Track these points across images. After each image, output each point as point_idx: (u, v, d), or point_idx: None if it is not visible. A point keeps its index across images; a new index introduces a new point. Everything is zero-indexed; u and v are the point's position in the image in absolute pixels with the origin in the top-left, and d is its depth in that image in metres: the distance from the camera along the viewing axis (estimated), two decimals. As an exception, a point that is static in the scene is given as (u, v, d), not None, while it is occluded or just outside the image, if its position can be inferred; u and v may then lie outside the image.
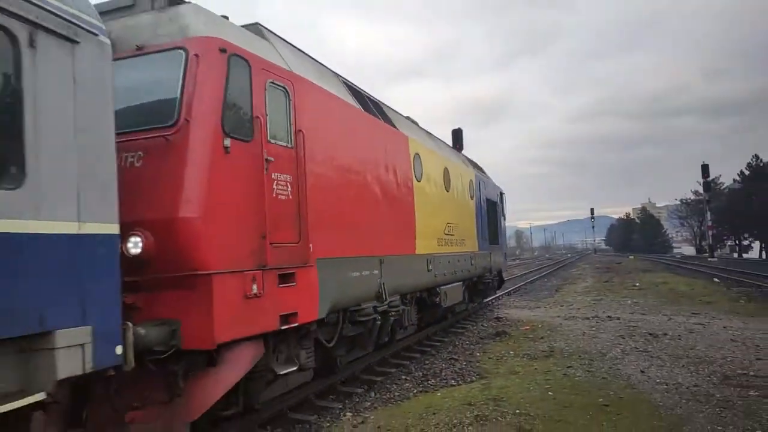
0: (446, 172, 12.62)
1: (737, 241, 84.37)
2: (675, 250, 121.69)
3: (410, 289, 10.03)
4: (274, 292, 5.67)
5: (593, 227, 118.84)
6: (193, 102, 5.02)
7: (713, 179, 79.14)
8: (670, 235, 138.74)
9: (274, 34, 7.21)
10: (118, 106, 4.47)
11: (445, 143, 15.08)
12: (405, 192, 9.87)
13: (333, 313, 7.13)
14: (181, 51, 5.16)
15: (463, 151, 16.64)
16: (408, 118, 12.18)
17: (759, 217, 66.08)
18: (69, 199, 3.76)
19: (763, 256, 71.90)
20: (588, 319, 13.80)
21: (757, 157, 75.59)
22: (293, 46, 7.74)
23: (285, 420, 6.66)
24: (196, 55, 5.13)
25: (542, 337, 11.33)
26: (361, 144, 8.34)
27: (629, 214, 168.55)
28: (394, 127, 10.04)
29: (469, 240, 14.24)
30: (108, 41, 4.27)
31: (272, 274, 5.66)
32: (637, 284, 24.69)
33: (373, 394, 7.87)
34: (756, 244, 79.29)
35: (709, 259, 57.82)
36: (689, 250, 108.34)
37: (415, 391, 7.94)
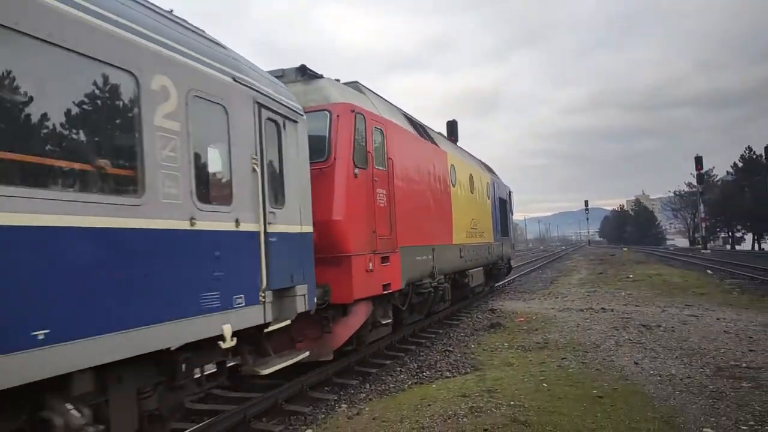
0: (471, 178, 15.58)
1: (730, 233, 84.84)
2: (668, 242, 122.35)
3: (450, 271, 12.88)
4: (379, 268, 8.57)
5: (587, 219, 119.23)
6: (335, 146, 7.90)
7: (707, 171, 79.52)
8: (663, 227, 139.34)
9: (368, 89, 10.10)
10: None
11: (468, 152, 17.97)
12: (445, 196, 12.80)
13: (406, 285, 9.86)
14: (327, 112, 8.08)
15: (458, 143, 17.98)
16: (440, 134, 14.82)
17: (751, 209, 66.40)
18: (297, 213, 6.74)
19: (756, 247, 72.32)
20: (582, 311, 13.85)
21: (750, 149, 75.93)
22: (377, 94, 10.63)
23: (280, 411, 6.66)
24: (338, 116, 8.06)
25: (537, 329, 11.37)
26: (419, 162, 11.16)
27: (623, 206, 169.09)
28: (437, 145, 12.84)
29: (487, 233, 17.19)
30: (305, 118, 7.21)
31: (378, 257, 8.54)
32: (631, 276, 24.78)
33: (368, 386, 7.89)
34: (749, 236, 79.74)
35: (702, 251, 58.19)
36: (682, 242, 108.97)
37: (410, 382, 7.97)
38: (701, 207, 68.05)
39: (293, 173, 6.72)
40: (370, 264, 8.27)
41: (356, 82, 9.89)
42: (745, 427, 5.32)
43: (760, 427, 5.31)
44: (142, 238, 4.27)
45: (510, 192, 23.06)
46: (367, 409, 6.57)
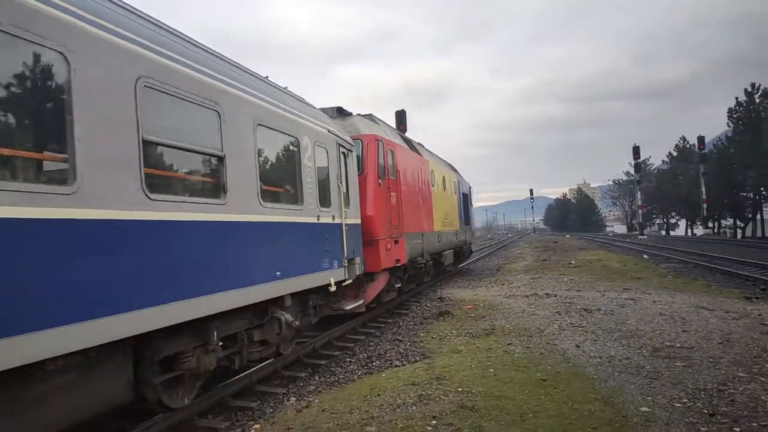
0: (443, 179, 19.70)
1: (665, 220, 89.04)
2: (608, 229, 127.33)
3: (432, 252, 16.71)
4: (393, 248, 12.11)
5: (532, 207, 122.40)
6: (367, 164, 11.49)
7: (643, 161, 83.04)
8: (603, 215, 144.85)
9: (380, 119, 13.78)
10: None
11: (440, 157, 21.44)
12: (428, 195, 16.74)
13: (408, 261, 13.59)
14: (360, 140, 11.51)
15: (407, 133, 19.53)
16: (420, 144, 18.42)
17: (685, 197, 69.83)
18: (356, 210, 10.48)
19: (689, 233, 76.16)
20: (527, 297, 14.19)
21: (684, 139, 79.71)
22: (385, 123, 14.49)
23: (226, 407, 6.53)
24: (367, 143, 11.61)
25: (484, 316, 11.56)
26: (413, 170, 14.98)
27: (566, 195, 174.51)
28: (421, 155, 16.62)
29: (455, 222, 21.36)
30: (354, 148, 10.87)
31: (393, 240, 12.12)
32: (573, 262, 25.57)
33: (317, 378, 7.84)
34: (682, 222, 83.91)
35: (639, 236, 60.88)
36: (621, 229, 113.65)
37: (359, 373, 7.96)
38: (638, 195, 71.06)
39: (352, 184, 10.55)
40: (389, 245, 11.97)
41: (371, 114, 13.43)
42: (678, 404, 5.57)
43: (692, 403, 5.58)
44: (302, 226, 7.99)
45: (470, 187, 26.96)
46: (316, 401, 6.52)
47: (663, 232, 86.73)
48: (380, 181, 11.80)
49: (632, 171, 77.26)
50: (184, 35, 6.16)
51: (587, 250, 35.83)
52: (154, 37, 5.28)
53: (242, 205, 6.29)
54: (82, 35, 4.26)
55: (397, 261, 12.47)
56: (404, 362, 8.31)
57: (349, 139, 10.59)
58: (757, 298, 14.00)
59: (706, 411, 5.35)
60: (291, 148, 7.84)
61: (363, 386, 6.95)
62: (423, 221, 15.54)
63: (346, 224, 9.62)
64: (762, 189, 52.44)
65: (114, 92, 4.58)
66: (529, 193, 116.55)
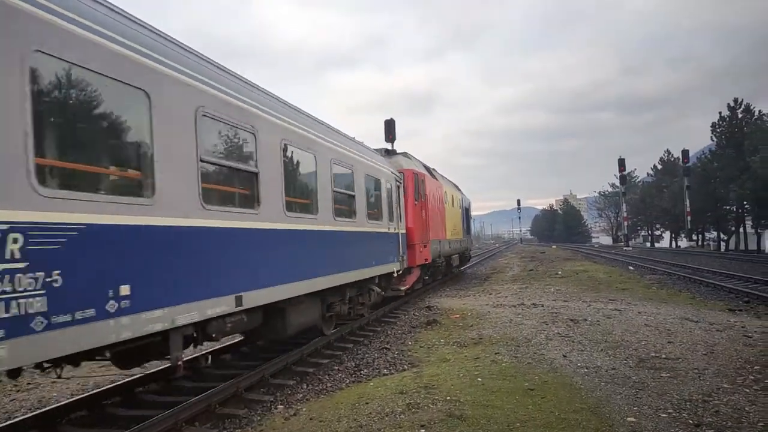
0: (452, 197, 24.48)
1: (650, 232, 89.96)
2: (593, 240, 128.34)
3: (445, 255, 21.42)
4: (423, 251, 16.60)
5: (519, 218, 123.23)
6: (407, 190, 15.78)
7: (629, 173, 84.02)
8: (589, 226, 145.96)
9: (412, 155, 18.03)
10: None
11: (449, 179, 26.22)
12: (443, 210, 21.40)
13: (431, 261, 18.25)
14: (402, 173, 15.46)
15: (395, 142, 22.73)
16: (434, 170, 22.27)
17: (669, 209, 70.66)
18: (403, 224, 15.17)
19: (673, 245, 76.99)
20: (514, 306, 14.26)
21: (668, 152, 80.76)
22: (416, 157, 18.59)
23: (213, 415, 6.47)
24: (407, 176, 15.84)
25: (471, 325, 11.60)
26: (433, 193, 19.18)
27: (552, 206, 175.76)
28: (437, 180, 21.04)
29: (460, 232, 26.58)
30: (401, 180, 15.65)
31: (422, 244, 16.57)
32: (559, 272, 25.75)
33: (305, 386, 7.80)
34: (666, 234, 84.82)
35: (625, 248, 61.46)
36: (606, 240, 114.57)
37: (347, 381, 7.94)
38: (624, 206, 71.79)
39: (402, 206, 15.17)
40: (421, 248, 16.46)
41: (406, 152, 17.93)
42: (664, 415, 5.63)
43: (678, 414, 5.64)
44: (384, 234, 12.87)
45: (470, 203, 33.30)
46: (304, 409, 6.49)
47: (648, 244, 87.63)
48: (416, 202, 16.57)
49: (618, 183, 78.09)
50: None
51: (573, 260, 36.09)
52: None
53: (358, 222, 11.12)
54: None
55: (426, 260, 17.27)
56: (392, 371, 8.31)
57: (398, 174, 15.03)
58: (740, 310, 14.20)
59: (691, 422, 5.41)
60: (378, 185, 12.81)
61: (351, 394, 6.93)
62: (440, 231, 20.29)
63: (401, 233, 14.78)
64: (744, 203, 53.24)
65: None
66: (516, 203, 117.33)
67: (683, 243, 72.40)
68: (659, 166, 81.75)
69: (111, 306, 4.47)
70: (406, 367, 8.45)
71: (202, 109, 5.92)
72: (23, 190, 3.81)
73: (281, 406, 6.82)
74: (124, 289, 4.63)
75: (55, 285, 3.96)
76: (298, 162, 8.50)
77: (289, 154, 8.12)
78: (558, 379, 7.12)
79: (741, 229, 58.39)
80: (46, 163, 4.10)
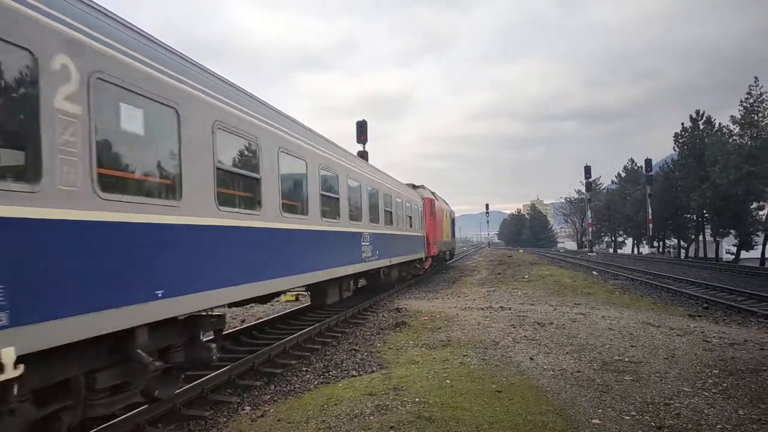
0: (444, 211, 32.63)
1: (613, 238, 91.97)
2: (559, 245, 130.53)
3: (441, 251, 31.29)
4: (433, 247, 26.68)
5: (488, 222, 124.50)
6: (426, 210, 25.60)
7: (594, 180, 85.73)
8: (555, 231, 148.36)
9: (427, 187, 28.92)
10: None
11: (443, 199, 35.93)
12: (441, 221, 30.33)
13: (436, 254, 29.08)
14: (423, 200, 25.26)
15: (367, 144, 28.50)
16: (434, 192, 30.71)
17: (632, 216, 72.40)
18: (422, 229, 24.55)
19: (635, 251, 78.88)
20: (482, 309, 14.39)
21: (632, 161, 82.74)
22: (429, 189, 29.05)
23: (178, 416, 6.34)
24: (425, 202, 25.79)
25: (440, 327, 11.65)
26: (437, 209, 28.65)
27: (520, 210, 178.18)
28: (437, 200, 29.82)
29: (449, 236, 36.60)
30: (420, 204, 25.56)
31: (434, 244, 26.78)
32: (526, 276, 26.11)
33: (272, 387, 7.72)
34: (629, 241, 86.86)
35: (589, 253, 62.64)
36: (572, 245, 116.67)
37: (316, 382, 7.88)
38: (589, 213, 73.23)
39: (423, 219, 24.54)
40: (432, 246, 25.94)
41: (423, 185, 28.05)
42: (627, 417, 5.75)
43: (640, 416, 5.77)
44: (418, 237, 23.17)
45: (455, 214, 43.29)
46: (271, 410, 6.41)
47: (611, 250, 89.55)
48: (430, 217, 25.89)
49: (584, 189, 79.63)
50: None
51: (539, 265, 36.63)
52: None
53: (413, 230, 21.71)
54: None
55: (434, 253, 27.13)
56: (361, 372, 8.28)
57: (421, 200, 24.67)
58: (700, 315, 14.63)
59: (653, 424, 5.54)
60: (415, 208, 22.26)
61: (320, 396, 6.88)
62: (440, 235, 29.81)
63: (424, 236, 24.37)
64: (704, 211, 54.89)
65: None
66: (485, 207, 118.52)
67: (645, 249, 74.25)
68: (623, 174, 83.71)
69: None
70: (375, 368, 8.43)
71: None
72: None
73: (248, 408, 6.72)
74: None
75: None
76: (375, 193, 15.68)
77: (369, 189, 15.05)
78: (525, 381, 7.20)
79: (700, 237, 60.18)
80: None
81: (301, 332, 10.73)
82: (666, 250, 70.74)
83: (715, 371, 7.63)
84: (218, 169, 6.62)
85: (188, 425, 6.18)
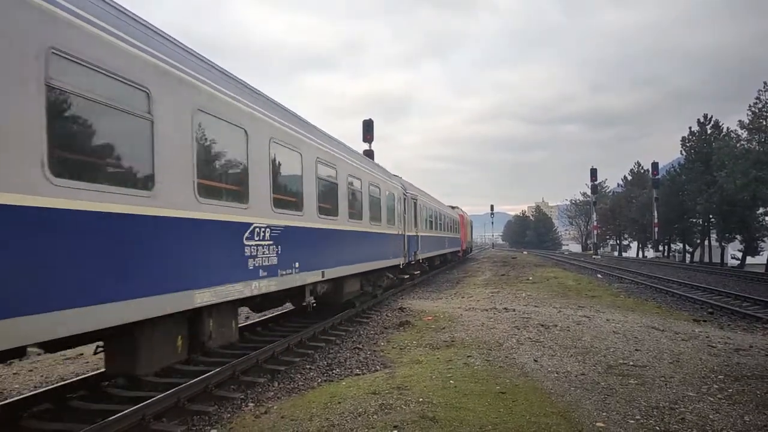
0: (469, 222, 53.22)
1: (618, 241, 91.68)
2: (563, 247, 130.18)
3: (465, 247, 48.43)
4: (463, 244, 46.18)
5: (492, 223, 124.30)
6: (461, 223, 42.89)
7: (600, 182, 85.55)
8: (559, 233, 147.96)
9: (460, 207, 47.63)
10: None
11: (465, 211, 51.81)
12: (466, 227, 47.96)
13: (466, 248, 50.00)
14: (459, 216, 41.45)
15: (373, 142, 27.89)
16: (459, 208, 47.08)
17: (637, 220, 72.16)
18: (460, 233, 42.27)
19: (640, 255, 78.60)
20: (486, 310, 14.36)
21: (639, 164, 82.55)
22: (461, 208, 48.01)
23: (182, 411, 6.35)
24: (461, 216, 43.41)
25: (444, 328, 11.64)
26: (463, 221, 45.32)
27: (525, 212, 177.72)
28: (464, 215, 47.98)
29: (470, 237, 58.88)
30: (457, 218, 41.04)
31: (464, 242, 47.36)
32: (531, 278, 26.07)
33: (276, 384, 7.73)
34: (634, 244, 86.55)
35: (594, 256, 62.51)
36: (576, 248, 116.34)
37: (319, 380, 7.89)
38: (594, 215, 73.03)
39: (459, 227, 41.25)
40: (463, 243, 44.98)
41: (458, 206, 46.24)
42: (632, 421, 5.73)
43: (645, 420, 5.75)
44: (456, 238, 39.07)
45: (472, 221, 55.20)
46: (275, 407, 6.42)
47: (615, 253, 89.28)
48: (462, 226, 41.33)
49: (589, 192, 79.45)
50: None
51: (544, 267, 36.59)
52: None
53: (452, 233, 35.87)
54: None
55: (464, 248, 45.44)
56: (365, 371, 8.28)
57: (457, 216, 39.93)
58: (705, 320, 14.57)
59: (658, 428, 5.52)
60: (459, 222, 40.31)
61: (323, 394, 6.89)
62: (466, 237, 46.31)
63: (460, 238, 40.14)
64: (710, 216, 54.68)
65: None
66: (489, 208, 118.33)
67: (650, 253, 74.01)
68: (629, 177, 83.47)
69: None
70: (378, 367, 8.44)
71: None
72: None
73: (252, 404, 6.73)
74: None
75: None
76: (440, 215, 28.97)
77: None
78: (529, 383, 7.19)
79: (706, 242, 59.95)
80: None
81: (305, 330, 10.74)
82: (671, 254, 70.50)
83: (720, 376, 7.60)
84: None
85: (192, 420, 6.19)
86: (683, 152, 60.51)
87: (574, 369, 7.96)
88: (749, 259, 50.16)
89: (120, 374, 6.91)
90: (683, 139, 60.00)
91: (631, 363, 8.35)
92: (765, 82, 44.66)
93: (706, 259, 58.97)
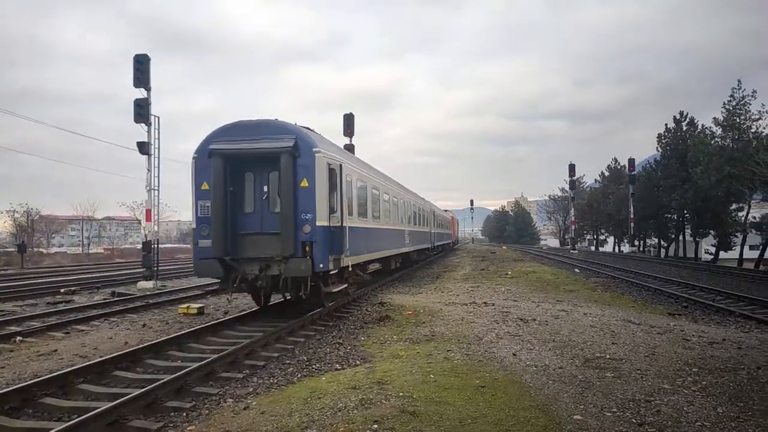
0: (454, 220, 66.73)
1: (595, 236, 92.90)
2: (542, 242, 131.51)
3: (453, 241, 65.91)
4: (454, 239, 67.80)
5: (472, 218, 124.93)
6: (452, 223, 65.33)
7: (578, 178, 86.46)
8: (538, 228, 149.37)
9: (451, 209, 71.26)
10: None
11: (452, 212, 68.31)
12: (454, 225, 66.33)
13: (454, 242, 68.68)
14: (450, 217, 62.80)
15: (353, 137, 30.51)
16: (449, 210, 65.93)
17: (614, 215, 73.17)
18: (450, 230, 59.39)
19: (617, 249, 79.77)
20: (466, 305, 14.43)
21: (615, 159, 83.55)
22: (450, 210, 68.67)
23: (159, 408, 6.28)
24: (451, 218, 63.91)
25: (424, 322, 11.67)
26: (454, 222, 66.57)
27: (504, 207, 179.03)
28: (454, 216, 68.60)
29: (456, 233, 72.09)
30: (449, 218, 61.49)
31: (455, 237, 72.38)
32: (509, 273, 26.25)
33: (255, 379, 7.66)
34: (611, 239, 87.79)
35: (571, 251, 63.23)
36: (554, 243, 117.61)
37: (299, 375, 7.84)
38: (572, 211, 73.89)
39: (450, 225, 57.67)
40: (454, 238, 66.02)
41: (449, 210, 64.53)
42: (609, 414, 5.80)
43: (621, 413, 5.82)
44: (447, 233, 54.48)
45: (458, 220, 77.65)
46: (254, 403, 6.37)
47: (593, 248, 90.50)
48: (453, 225, 60.16)
49: (567, 187, 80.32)
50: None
51: (522, 261, 36.91)
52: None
53: (443, 229, 47.96)
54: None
55: (454, 241, 64.63)
56: (345, 366, 8.26)
57: (449, 218, 56.18)
58: (680, 314, 14.85)
59: (634, 420, 5.60)
60: (449, 221, 55.78)
61: (303, 389, 6.85)
62: (454, 233, 62.47)
63: (451, 233, 55.61)
64: (685, 212, 55.69)
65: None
66: (469, 203, 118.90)
67: (626, 248, 75.13)
68: (606, 173, 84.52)
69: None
70: (358, 362, 8.42)
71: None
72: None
73: (230, 400, 6.67)
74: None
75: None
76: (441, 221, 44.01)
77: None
78: (508, 376, 7.24)
79: (681, 237, 61.06)
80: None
81: (285, 324, 10.69)
82: (646, 249, 71.66)
83: (694, 369, 7.74)
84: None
85: (170, 416, 6.12)
86: (659, 149, 61.46)
87: (552, 362, 8.04)
88: (722, 254, 51.20)
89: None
90: (659, 135, 60.92)
91: (608, 356, 8.46)
92: (739, 80, 45.61)
93: (681, 254, 60.11)
